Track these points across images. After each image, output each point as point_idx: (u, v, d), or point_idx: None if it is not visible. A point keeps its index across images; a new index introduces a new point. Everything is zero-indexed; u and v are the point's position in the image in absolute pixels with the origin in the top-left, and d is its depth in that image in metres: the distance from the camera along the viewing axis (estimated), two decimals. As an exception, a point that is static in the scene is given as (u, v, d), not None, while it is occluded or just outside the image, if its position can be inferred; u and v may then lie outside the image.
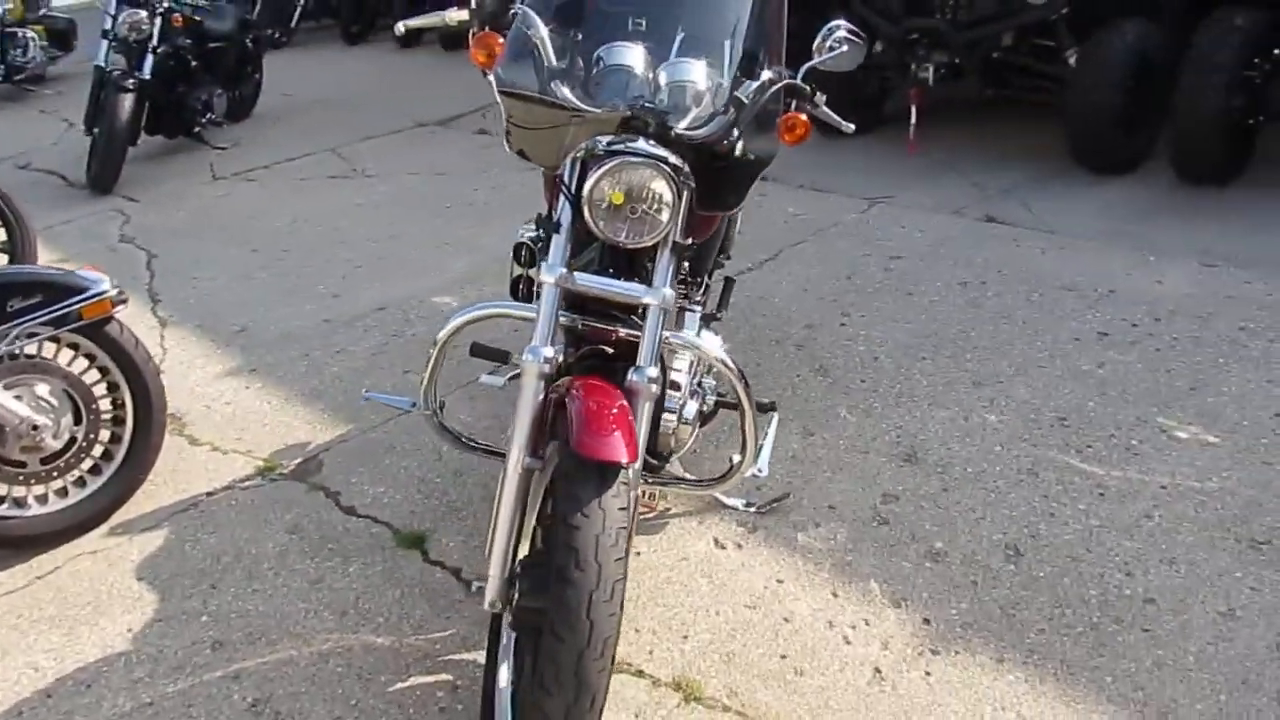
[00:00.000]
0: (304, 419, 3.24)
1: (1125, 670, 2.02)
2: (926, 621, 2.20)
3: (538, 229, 2.34)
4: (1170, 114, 4.28)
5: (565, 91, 1.77)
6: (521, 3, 1.91)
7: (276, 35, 9.63)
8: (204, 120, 6.45)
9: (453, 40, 9.52)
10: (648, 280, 1.89)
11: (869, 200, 4.59)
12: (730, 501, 2.53)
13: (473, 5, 1.98)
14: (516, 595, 1.80)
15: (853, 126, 2.05)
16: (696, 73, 1.76)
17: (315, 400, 3.36)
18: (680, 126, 1.75)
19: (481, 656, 2.18)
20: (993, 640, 2.13)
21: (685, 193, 1.80)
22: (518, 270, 2.31)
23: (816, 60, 1.96)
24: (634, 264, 1.96)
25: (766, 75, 1.84)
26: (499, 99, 1.83)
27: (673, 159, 1.76)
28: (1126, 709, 1.94)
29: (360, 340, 3.75)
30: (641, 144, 1.76)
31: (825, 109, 1.99)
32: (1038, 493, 2.55)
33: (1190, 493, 2.49)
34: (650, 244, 1.84)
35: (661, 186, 1.76)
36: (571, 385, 1.79)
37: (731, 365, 2.00)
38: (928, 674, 2.07)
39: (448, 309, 3.92)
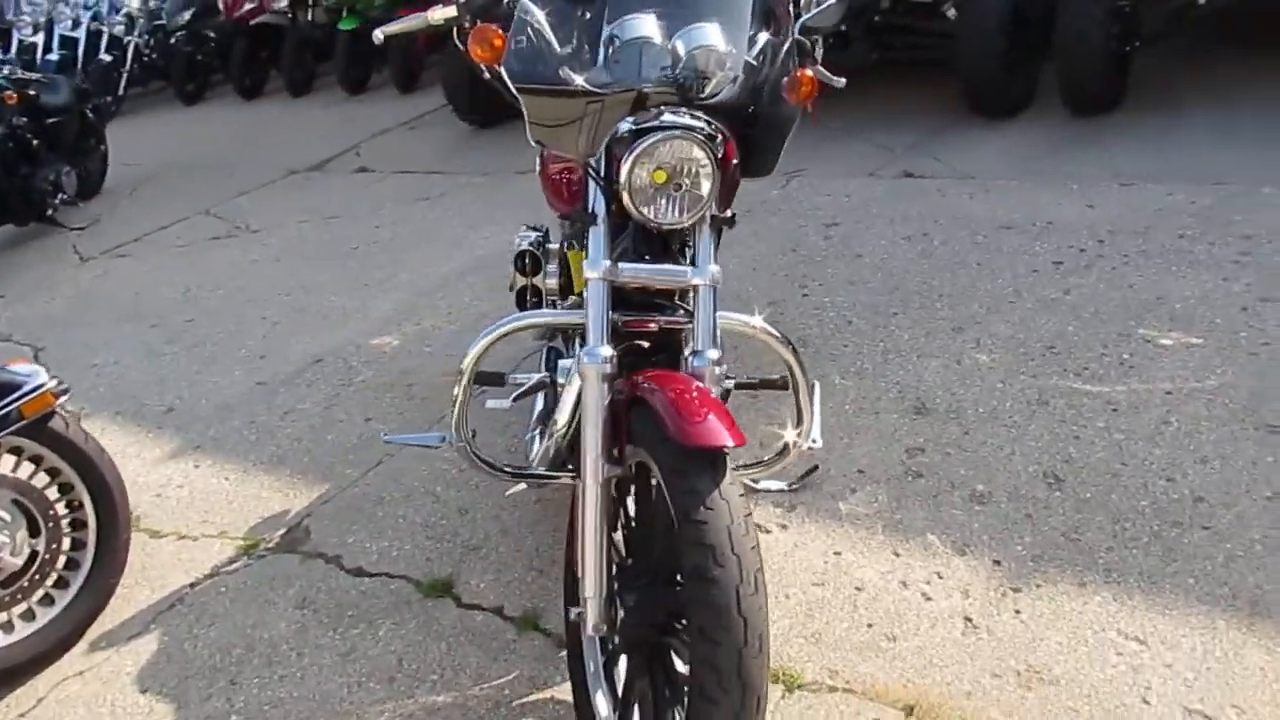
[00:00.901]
0: (272, 488, 3.01)
1: (1203, 570, 2.05)
2: (997, 563, 2.18)
3: (537, 235, 2.23)
4: (1049, 52, 4.46)
5: (584, 75, 1.67)
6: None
7: (107, 103, 9.08)
8: (56, 201, 6.00)
9: (301, 86, 9.19)
10: (687, 261, 1.81)
11: (785, 175, 4.61)
12: (767, 484, 2.46)
13: (460, 0, 1.86)
14: (621, 614, 1.69)
15: (843, 81, 2.01)
16: (714, 36, 1.68)
17: (278, 467, 3.12)
18: (709, 92, 1.67)
19: (559, 692, 2.05)
20: (1067, 567, 2.13)
21: (723, 162, 1.72)
22: (521, 281, 2.19)
23: (806, 16, 1.92)
24: (668, 247, 1.87)
25: (778, 34, 1.78)
26: (516, 94, 1.72)
27: (707, 128, 1.68)
28: (1218, 605, 1.96)
29: (306, 397, 3.51)
30: (674, 116, 1.67)
31: (820, 67, 1.95)
32: (1054, 419, 2.58)
33: (1196, 393, 2.57)
34: (691, 221, 1.75)
35: (701, 156, 1.68)
36: (638, 382, 1.69)
37: (783, 339, 1.94)
38: (1018, 612, 2.04)
39: (391, 350, 3.73)
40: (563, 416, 2.06)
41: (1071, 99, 4.50)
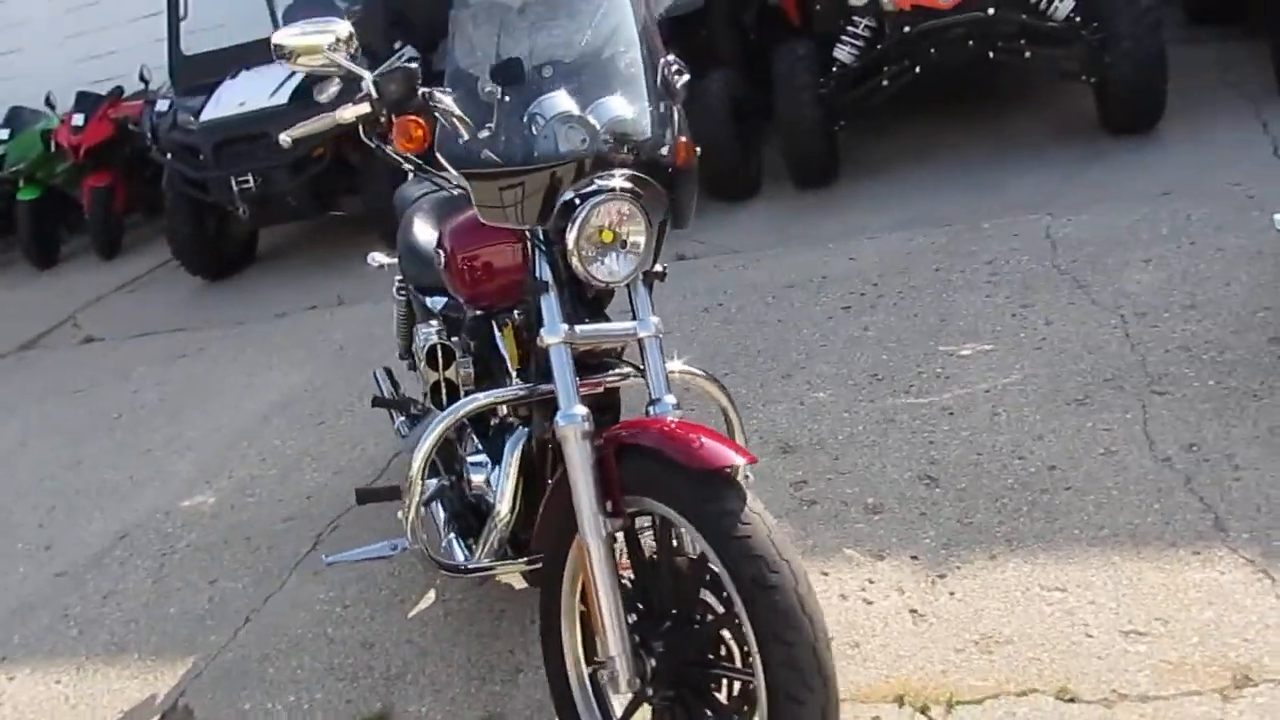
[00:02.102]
0: (123, 677, 2.66)
1: (1081, 520, 2.37)
2: (914, 558, 2.38)
3: (436, 327, 2.21)
4: (767, 139, 5.04)
5: (528, 152, 1.74)
6: (425, 85, 1.83)
7: None
8: None
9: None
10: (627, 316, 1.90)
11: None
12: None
13: (374, 96, 1.85)
14: (653, 663, 1.69)
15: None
16: (624, 104, 1.82)
17: (121, 654, 2.76)
18: (644, 152, 1.79)
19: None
20: (974, 546, 2.37)
21: (659, 218, 1.84)
22: (433, 376, 2.15)
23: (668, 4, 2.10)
24: (600, 308, 1.95)
25: (670, 100, 1.94)
26: (460, 179, 1.75)
27: (639, 187, 1.79)
28: (1106, 544, 2.27)
29: (124, 575, 3.14)
30: (604, 180, 1.77)
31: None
32: (905, 432, 2.88)
33: (1008, 388, 2.97)
34: (632, 278, 1.85)
35: (638, 214, 1.78)
36: (618, 434, 1.73)
37: (715, 380, 2.06)
38: (952, 594, 2.25)
39: (211, 509, 3.42)
40: (504, 504, 2.03)
41: (797, 175, 5.08)
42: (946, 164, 4.87)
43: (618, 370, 1.98)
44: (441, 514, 2.40)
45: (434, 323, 2.22)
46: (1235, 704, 1.83)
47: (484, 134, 1.81)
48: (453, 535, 2.33)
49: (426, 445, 1.92)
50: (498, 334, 2.12)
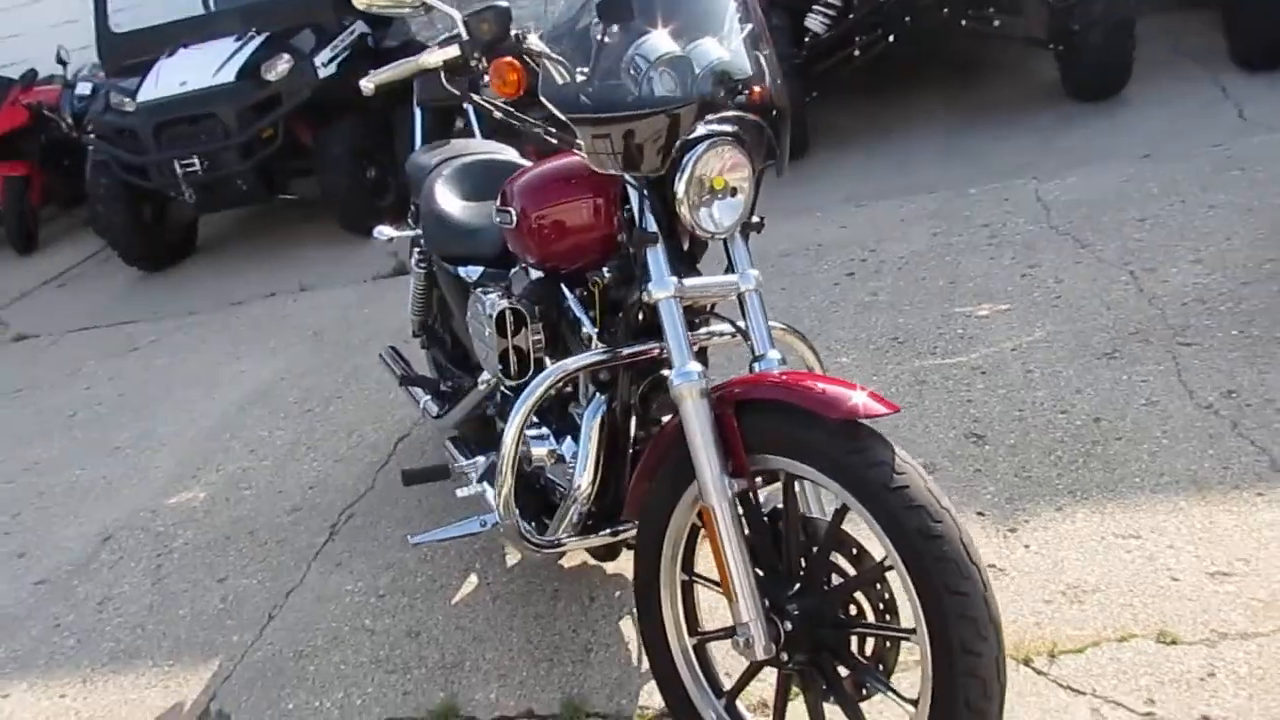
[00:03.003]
0: (139, 685, 2.47)
1: (1140, 468, 2.38)
2: (981, 514, 2.36)
3: (515, 291, 2.08)
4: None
5: (641, 95, 1.63)
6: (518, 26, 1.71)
7: None
8: None
9: None
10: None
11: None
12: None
13: (464, 37, 1.71)
14: (788, 626, 1.62)
15: None
16: (723, 46, 1.72)
17: (132, 661, 2.57)
18: (749, 94, 1.70)
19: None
20: (1038, 499, 2.36)
21: (760, 164, 1.76)
22: (502, 344, 2.03)
23: None
24: (694, 261, 1.87)
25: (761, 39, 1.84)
26: (572, 125, 1.64)
27: (743, 132, 1.71)
28: (1170, 490, 2.28)
29: (117, 580, 2.92)
30: (709, 125, 1.68)
31: None
32: (941, 392, 2.86)
33: (1035, 344, 2.98)
34: (737, 227, 1.77)
35: (744, 160, 1.70)
36: (731, 389, 1.66)
37: (802, 336, 2.00)
38: (1027, 547, 2.23)
39: (203, 504, 3.22)
40: (585, 477, 1.94)
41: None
42: (919, 134, 4.90)
43: (709, 328, 1.91)
44: (489, 491, 2.29)
45: (491, 288, 2.10)
46: (1337, 636, 1.85)
47: (580, 78, 1.70)
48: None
49: (521, 414, 1.81)
50: (569, 297, 2.02)
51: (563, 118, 1.66)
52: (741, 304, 1.82)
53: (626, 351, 1.86)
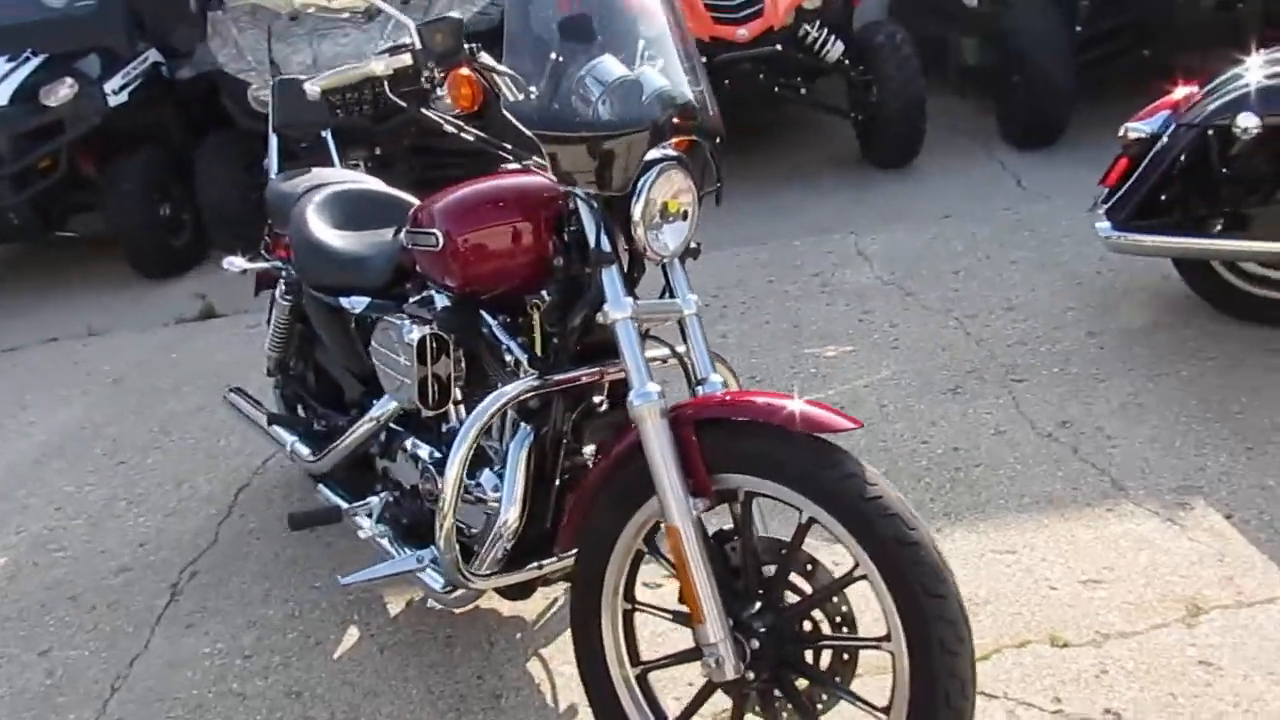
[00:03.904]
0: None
1: (1002, 490, 2.57)
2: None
3: (433, 320, 1.98)
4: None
5: (606, 116, 1.62)
6: (471, 42, 1.65)
7: None
8: None
9: None
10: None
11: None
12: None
13: (417, 46, 1.60)
14: (755, 645, 1.62)
15: None
16: (671, 71, 1.74)
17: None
18: (700, 121, 1.73)
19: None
20: (917, 523, 2.50)
21: (702, 190, 1.79)
22: (421, 372, 1.92)
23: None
24: (632, 287, 1.86)
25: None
26: (538, 142, 1.60)
27: (698, 154, 1.74)
28: (1035, 507, 2.49)
29: (-99, 660, 2.49)
30: (669, 147, 1.70)
31: None
32: (806, 427, 2.98)
33: (884, 382, 3.17)
34: (681, 250, 1.78)
35: (690, 185, 1.73)
36: (686, 410, 1.66)
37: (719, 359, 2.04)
38: (916, 566, 2.35)
39: (5, 571, 2.81)
40: (513, 511, 1.86)
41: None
42: (741, 190, 5.13)
43: (652, 352, 1.90)
44: (381, 531, 2.15)
45: (408, 315, 1.99)
46: (1198, 629, 2.07)
47: (533, 95, 1.67)
48: (411, 555, 2.09)
49: (463, 449, 1.74)
50: (491, 323, 1.96)
51: (529, 134, 1.62)
52: (682, 328, 1.84)
53: (568, 376, 1.82)
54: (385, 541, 2.15)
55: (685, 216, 1.75)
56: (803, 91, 5.16)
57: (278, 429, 2.61)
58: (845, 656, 1.65)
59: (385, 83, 1.66)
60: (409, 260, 2.18)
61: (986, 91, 5.47)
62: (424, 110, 1.69)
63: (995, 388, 3.06)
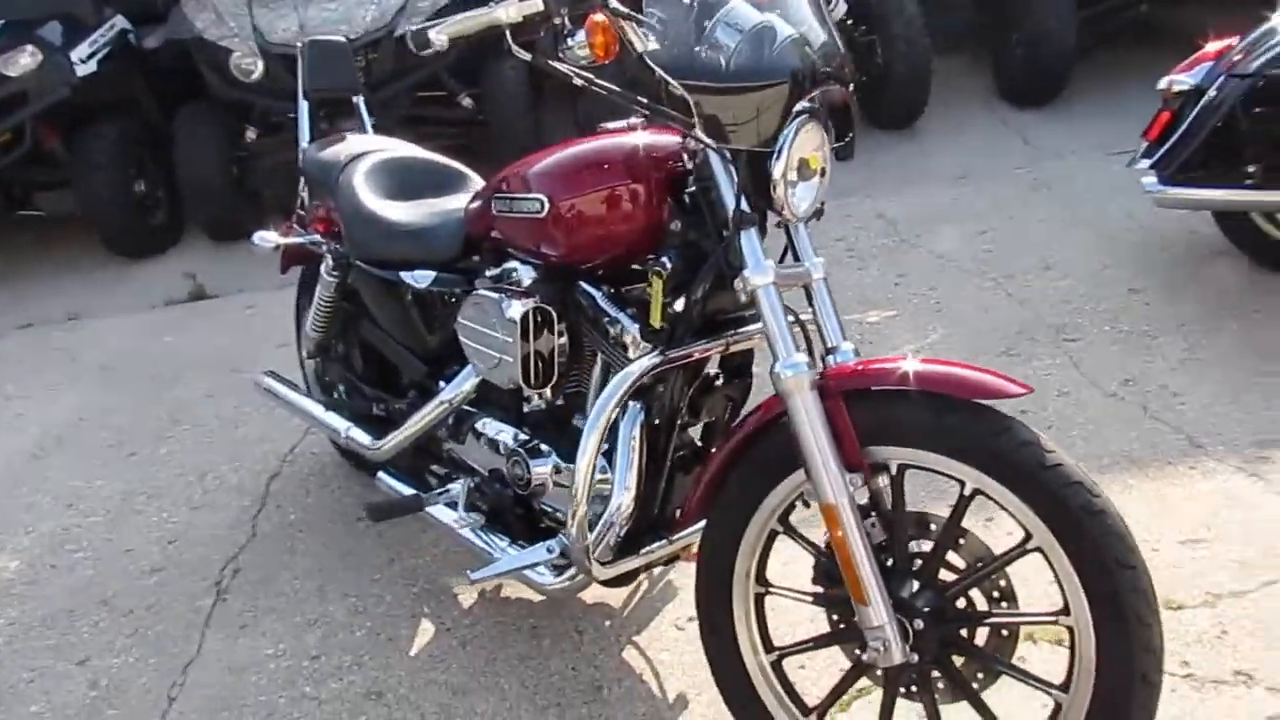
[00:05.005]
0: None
1: (1080, 452, 2.51)
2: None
3: (535, 293, 1.84)
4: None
5: (750, 66, 1.49)
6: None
7: None
8: None
9: None
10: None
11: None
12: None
13: None
14: (919, 625, 1.53)
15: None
16: (809, 17, 1.62)
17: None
18: (834, 72, 1.61)
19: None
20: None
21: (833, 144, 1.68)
22: (525, 349, 1.78)
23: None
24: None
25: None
26: (684, 93, 1.47)
27: (836, 107, 1.62)
28: (1116, 468, 2.44)
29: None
30: (812, 100, 1.58)
31: None
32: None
33: (935, 345, 3.10)
34: (813, 210, 1.67)
35: (825, 140, 1.62)
36: (837, 379, 1.56)
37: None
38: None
39: (23, 577, 2.62)
40: (628, 494, 1.75)
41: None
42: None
43: (749, 327, 1.80)
44: (465, 520, 2.02)
45: (504, 288, 1.84)
46: (1309, 586, 2.04)
47: (664, 43, 1.53)
48: (505, 543, 1.97)
49: (596, 433, 1.63)
50: (596, 294, 1.82)
51: (677, 86, 1.49)
52: (809, 293, 1.73)
53: (691, 349, 1.71)
54: (469, 531, 2.03)
55: (823, 173, 1.63)
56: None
57: (331, 415, 2.45)
58: (1005, 632, 1.57)
59: (508, 31, 1.51)
60: (481, 229, 2.04)
61: (983, 48, 5.41)
62: (551, 63, 1.54)
63: (1049, 348, 3.01)
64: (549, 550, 1.75)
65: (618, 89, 1.56)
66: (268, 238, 2.59)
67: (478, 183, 2.42)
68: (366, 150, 2.47)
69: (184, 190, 4.80)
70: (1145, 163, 3.13)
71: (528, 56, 1.52)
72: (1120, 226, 3.70)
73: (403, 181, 2.38)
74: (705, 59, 1.51)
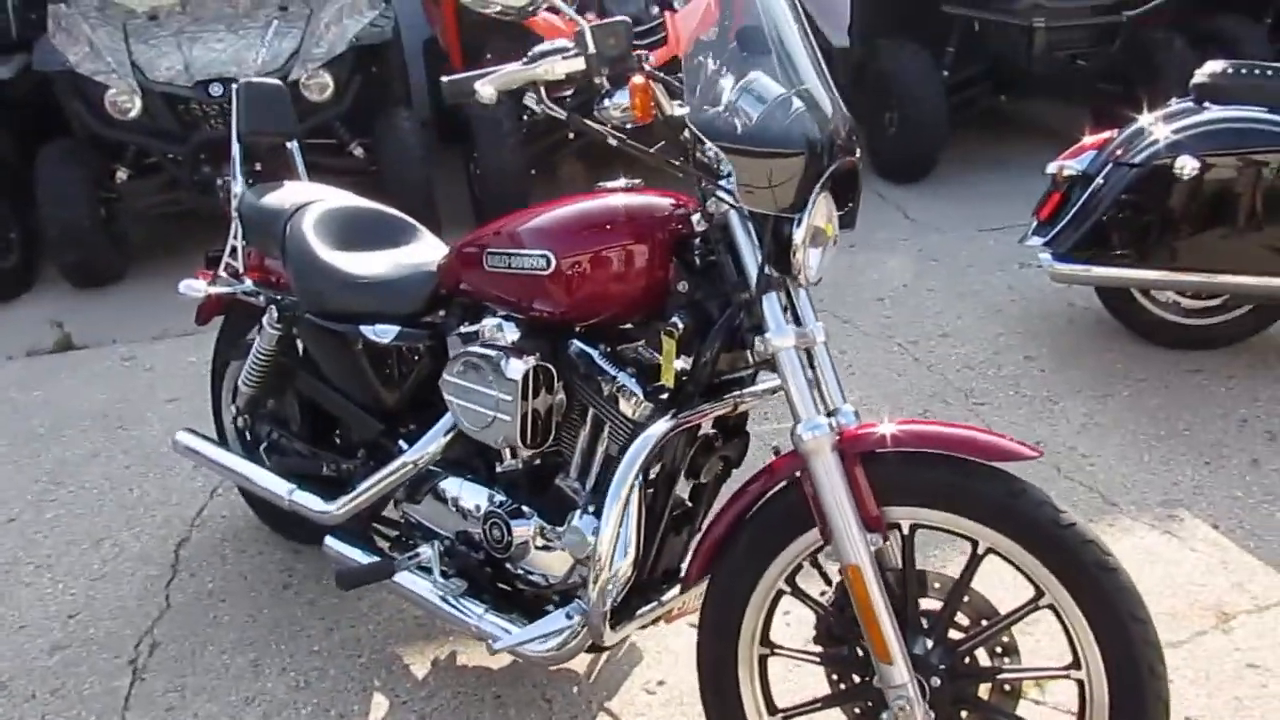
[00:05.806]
0: None
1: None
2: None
3: (534, 351, 1.79)
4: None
5: (781, 133, 1.51)
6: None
7: None
8: None
9: None
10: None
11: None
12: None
13: (590, 50, 1.41)
14: (935, 683, 1.56)
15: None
16: (824, 87, 1.66)
17: None
18: (848, 142, 1.66)
19: None
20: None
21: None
22: (524, 408, 1.73)
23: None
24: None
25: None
26: (722, 155, 1.48)
27: (845, 176, 1.67)
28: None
29: None
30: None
31: None
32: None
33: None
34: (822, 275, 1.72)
35: (835, 208, 1.67)
36: (854, 441, 1.60)
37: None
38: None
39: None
40: (628, 556, 1.72)
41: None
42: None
43: (754, 387, 1.83)
44: (446, 588, 1.93)
45: (502, 346, 1.78)
46: (1234, 634, 2.20)
47: (697, 107, 1.55)
48: (482, 610, 1.89)
49: (621, 499, 1.60)
50: (593, 353, 1.80)
51: (712, 147, 1.50)
52: (809, 355, 1.76)
53: (703, 410, 1.71)
54: (437, 598, 1.93)
55: (835, 241, 1.69)
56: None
57: (271, 477, 2.30)
58: (1008, 688, 1.63)
59: (542, 88, 1.49)
60: (449, 284, 1.99)
61: (860, 125, 5.72)
62: (586, 121, 1.53)
63: (962, 411, 3.17)
64: (567, 616, 1.69)
65: (648, 149, 1.56)
66: (195, 286, 2.44)
67: (426, 234, 2.37)
68: (311, 199, 2.37)
69: (48, 232, 4.44)
70: (1038, 240, 3.37)
71: (562, 114, 1.51)
72: (1004, 298, 3.96)
73: (354, 231, 2.29)
74: (738, 124, 1.54)
